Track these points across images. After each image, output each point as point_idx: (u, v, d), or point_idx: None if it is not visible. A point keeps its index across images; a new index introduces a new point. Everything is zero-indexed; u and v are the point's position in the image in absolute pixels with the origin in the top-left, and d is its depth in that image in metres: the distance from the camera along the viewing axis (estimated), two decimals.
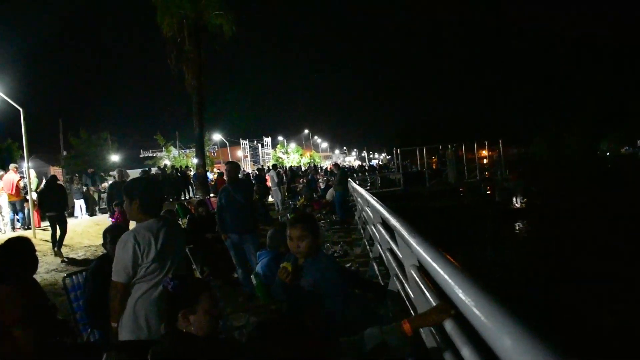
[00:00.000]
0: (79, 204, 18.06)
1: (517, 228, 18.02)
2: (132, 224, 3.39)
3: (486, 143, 31.86)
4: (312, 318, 2.81)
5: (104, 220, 14.88)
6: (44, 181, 14.53)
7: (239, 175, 7.12)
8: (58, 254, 10.89)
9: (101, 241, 4.70)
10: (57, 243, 11.05)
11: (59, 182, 12.43)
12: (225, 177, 7.09)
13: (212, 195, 20.23)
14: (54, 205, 11.20)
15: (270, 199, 20.49)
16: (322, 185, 23.10)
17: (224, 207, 6.63)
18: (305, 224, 3.10)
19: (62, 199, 11.57)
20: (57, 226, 11.15)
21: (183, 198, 22.45)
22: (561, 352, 1.00)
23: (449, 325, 1.92)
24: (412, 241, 2.51)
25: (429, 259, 2.03)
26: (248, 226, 6.61)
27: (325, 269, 3.05)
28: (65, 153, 30.13)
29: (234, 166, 6.92)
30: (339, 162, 30.32)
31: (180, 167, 26.26)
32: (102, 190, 20.71)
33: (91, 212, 18.89)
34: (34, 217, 13.44)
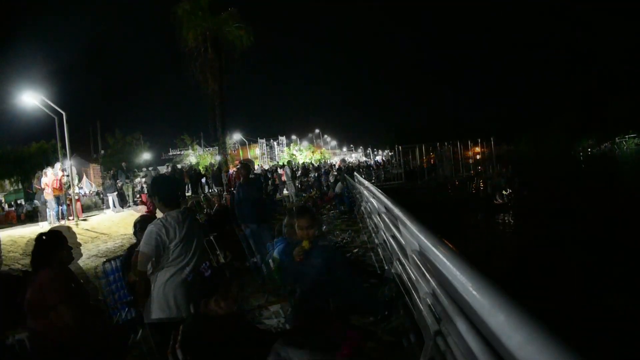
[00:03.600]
0: (112, 197, 18.04)
1: (504, 217, 17.98)
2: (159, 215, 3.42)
3: (479, 140, 31.65)
4: (332, 302, 2.87)
5: (138, 212, 15.00)
6: (84, 178, 14.67)
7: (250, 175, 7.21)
8: None
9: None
10: None
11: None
12: (240, 175, 7.23)
13: (232, 189, 20.30)
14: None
15: (285, 192, 20.52)
16: (331, 179, 23.12)
17: (242, 201, 6.81)
18: (311, 214, 3.32)
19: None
20: None
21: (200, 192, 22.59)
22: (547, 325, 1.00)
23: (446, 302, 1.91)
24: (413, 228, 2.50)
25: (429, 244, 2.03)
26: (263, 217, 6.84)
27: (332, 250, 3.15)
28: (102, 152, 30.29)
29: (244, 168, 7.08)
30: (345, 159, 30.29)
31: (191, 165, 26.04)
32: (136, 185, 20.84)
33: (125, 204, 18.92)
34: (77, 208, 13.56)
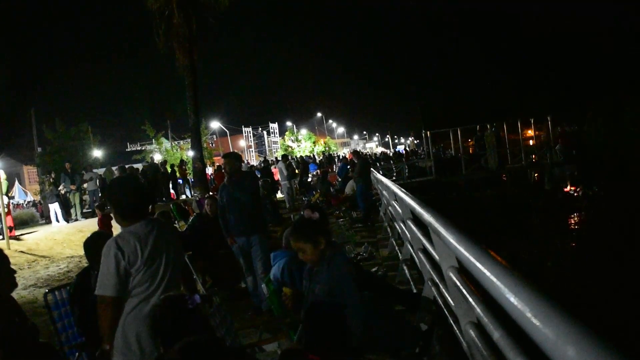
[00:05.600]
0: (54, 208, 18.02)
1: (571, 221, 17.82)
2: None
3: (532, 121, 31.52)
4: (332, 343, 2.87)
5: (89, 226, 15.04)
6: (16, 184, 14.68)
7: (242, 167, 7.07)
8: None
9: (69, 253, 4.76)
10: None
11: None
12: (224, 171, 7.07)
13: (210, 193, 20.35)
14: None
15: (279, 194, 20.54)
16: (339, 178, 23.12)
17: (226, 207, 6.65)
18: (298, 234, 3.34)
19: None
20: None
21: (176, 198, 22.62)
22: None
23: (496, 334, 1.91)
24: (450, 238, 2.49)
25: (471, 258, 2.01)
26: (255, 227, 6.64)
27: (340, 275, 3.12)
28: (39, 150, 30.29)
29: (232, 159, 6.82)
30: (358, 150, 30.27)
31: (152, 163, 25.78)
32: (84, 190, 20.85)
33: (69, 216, 18.92)
34: (6, 225, 13.43)
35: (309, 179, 24.68)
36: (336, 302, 3.08)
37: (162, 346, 2.74)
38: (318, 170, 27.25)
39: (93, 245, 4.21)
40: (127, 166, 21.05)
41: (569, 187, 20.99)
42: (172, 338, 2.66)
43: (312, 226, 3.38)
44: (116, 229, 3.36)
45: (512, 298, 1.47)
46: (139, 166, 27.08)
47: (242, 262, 6.76)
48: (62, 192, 18.82)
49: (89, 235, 4.58)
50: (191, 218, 10.11)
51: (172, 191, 23.31)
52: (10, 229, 13.88)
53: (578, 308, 1.30)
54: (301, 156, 43.18)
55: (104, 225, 11.63)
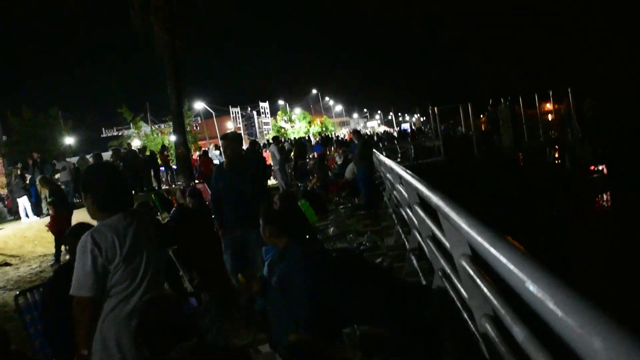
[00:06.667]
0: (22, 203, 17.91)
1: (597, 205, 17.77)
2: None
3: (551, 94, 31.45)
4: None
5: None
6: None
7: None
8: None
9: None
10: None
11: None
12: (223, 154, 6.76)
13: (196, 181, 20.33)
14: None
15: (272, 180, 20.52)
16: (338, 161, 23.08)
17: (222, 195, 6.47)
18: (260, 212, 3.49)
19: None
20: None
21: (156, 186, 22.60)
22: None
23: (515, 327, 1.91)
24: (461, 223, 2.48)
25: (485, 243, 2.00)
26: (255, 221, 6.43)
27: (290, 269, 3.17)
28: (4, 138, 30.17)
29: (233, 141, 6.59)
30: (359, 129, 30.22)
31: (130, 150, 25.71)
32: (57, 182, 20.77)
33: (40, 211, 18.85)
34: None
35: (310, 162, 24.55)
36: (286, 296, 3.12)
37: (148, 350, 2.74)
38: (335, 150, 26.95)
39: (75, 237, 4.17)
40: (93, 154, 20.76)
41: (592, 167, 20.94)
42: (160, 341, 2.67)
43: (267, 209, 3.45)
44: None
45: (531, 287, 1.46)
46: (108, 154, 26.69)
47: (228, 258, 6.58)
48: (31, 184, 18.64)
49: (70, 227, 4.56)
50: (173, 209, 10.08)
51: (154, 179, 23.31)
52: None
53: (603, 299, 1.29)
54: (296, 138, 43.14)
55: (56, 227, 11.32)
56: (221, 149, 6.81)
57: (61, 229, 10.97)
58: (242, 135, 67.13)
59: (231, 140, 6.53)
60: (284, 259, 3.24)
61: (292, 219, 3.37)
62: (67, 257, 4.55)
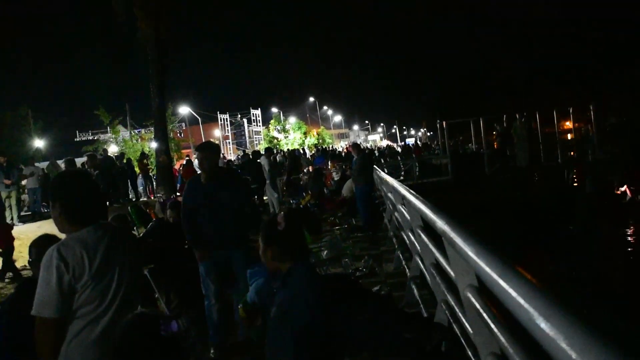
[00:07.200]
0: None
1: (621, 233, 17.75)
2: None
3: (571, 111, 31.60)
4: None
5: (27, 232, 14.94)
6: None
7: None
8: None
9: (23, 262, 4.73)
10: None
11: None
12: (200, 167, 6.62)
13: (178, 194, 20.31)
14: None
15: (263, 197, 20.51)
16: (335, 177, 23.09)
17: (200, 211, 6.25)
18: (260, 228, 3.32)
19: None
20: None
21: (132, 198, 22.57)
22: None
23: None
24: (468, 250, 2.48)
25: (494, 274, 2.00)
26: (239, 239, 6.32)
27: (296, 289, 3.11)
28: None
29: (210, 152, 6.39)
30: (359, 142, 30.26)
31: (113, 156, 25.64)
32: (23, 189, 20.68)
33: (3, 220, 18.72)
34: None
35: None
36: (285, 326, 3.04)
37: None
38: (332, 165, 26.93)
39: (40, 250, 4.14)
40: (65, 160, 20.61)
41: (618, 189, 20.97)
42: None
43: (269, 229, 3.35)
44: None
45: (543, 324, 1.46)
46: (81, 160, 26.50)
47: (209, 283, 6.37)
48: None
49: (35, 238, 4.52)
50: (151, 224, 10.05)
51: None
52: None
53: (623, 337, 1.29)
54: (289, 150, 43.17)
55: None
56: (197, 161, 6.59)
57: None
58: (231, 144, 67.25)
59: (209, 151, 6.35)
60: (287, 285, 3.17)
61: (299, 241, 3.29)
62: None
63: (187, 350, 3.76)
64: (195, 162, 29.40)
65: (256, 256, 5.93)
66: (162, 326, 2.74)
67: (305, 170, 26.41)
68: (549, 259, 13.46)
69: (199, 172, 7.38)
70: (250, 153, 29.68)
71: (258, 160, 18.58)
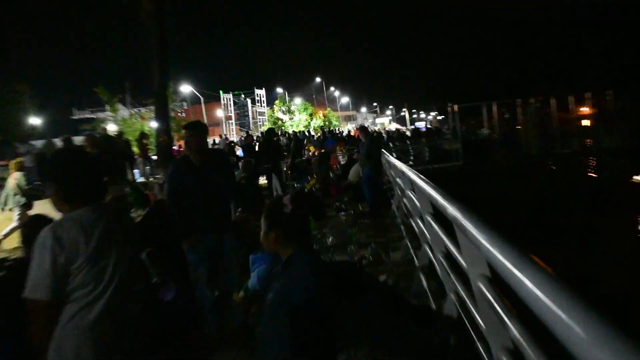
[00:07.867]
0: None
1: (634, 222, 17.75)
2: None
3: (588, 95, 31.41)
4: None
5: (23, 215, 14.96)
6: None
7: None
8: None
9: (17, 244, 4.73)
10: None
11: None
12: (187, 147, 6.37)
13: None
14: None
15: (262, 179, 20.48)
16: (341, 160, 23.03)
17: (190, 193, 6.15)
18: (264, 208, 3.29)
19: None
20: None
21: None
22: None
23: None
24: (480, 238, 2.46)
25: (507, 263, 1.98)
26: (229, 222, 6.34)
27: (296, 275, 3.07)
28: None
29: (200, 131, 6.29)
30: (367, 125, 30.20)
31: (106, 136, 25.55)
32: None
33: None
34: None
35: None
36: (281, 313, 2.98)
37: None
38: (338, 148, 26.86)
39: (32, 231, 4.14)
40: (62, 138, 20.54)
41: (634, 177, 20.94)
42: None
43: (275, 211, 3.30)
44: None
45: (561, 315, 1.44)
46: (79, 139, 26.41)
47: (202, 271, 6.25)
48: None
49: (29, 218, 4.53)
50: (150, 206, 10.07)
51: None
52: None
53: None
54: (295, 132, 43.11)
55: None
56: (184, 140, 6.47)
57: None
58: (233, 125, 67.16)
59: (198, 130, 6.25)
60: (288, 270, 3.14)
61: (304, 225, 3.25)
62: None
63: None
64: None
65: (256, 241, 5.94)
66: (160, 292, 2.72)
67: (310, 153, 26.33)
68: (561, 254, 13.41)
69: None
70: (263, 132, 29.52)
71: (274, 139, 18.51)
